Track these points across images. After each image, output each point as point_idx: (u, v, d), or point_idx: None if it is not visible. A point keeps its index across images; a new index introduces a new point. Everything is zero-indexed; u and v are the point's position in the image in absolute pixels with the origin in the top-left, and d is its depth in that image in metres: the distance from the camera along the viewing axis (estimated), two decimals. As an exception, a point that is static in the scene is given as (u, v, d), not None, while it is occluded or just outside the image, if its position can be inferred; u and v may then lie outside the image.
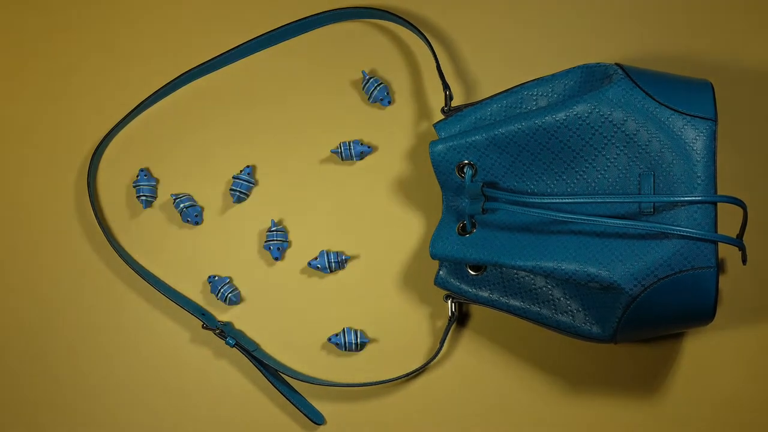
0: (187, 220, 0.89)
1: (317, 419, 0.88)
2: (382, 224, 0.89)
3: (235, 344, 0.87)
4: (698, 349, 0.87)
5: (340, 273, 0.89)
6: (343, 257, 0.88)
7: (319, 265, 0.88)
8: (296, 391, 0.89)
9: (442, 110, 0.86)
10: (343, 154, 0.88)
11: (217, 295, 0.88)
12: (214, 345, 0.89)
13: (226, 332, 0.87)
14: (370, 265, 0.89)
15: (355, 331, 0.88)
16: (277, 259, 0.88)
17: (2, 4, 0.92)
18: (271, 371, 0.88)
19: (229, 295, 0.88)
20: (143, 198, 0.89)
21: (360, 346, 0.88)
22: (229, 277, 0.89)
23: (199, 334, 0.89)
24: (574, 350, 0.87)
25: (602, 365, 0.87)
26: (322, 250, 0.88)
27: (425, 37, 0.88)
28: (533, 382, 0.87)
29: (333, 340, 0.88)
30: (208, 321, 0.88)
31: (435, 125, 0.85)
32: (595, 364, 0.87)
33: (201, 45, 0.91)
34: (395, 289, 0.89)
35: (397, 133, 0.90)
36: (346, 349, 0.88)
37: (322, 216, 0.89)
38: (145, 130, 0.91)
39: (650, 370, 0.87)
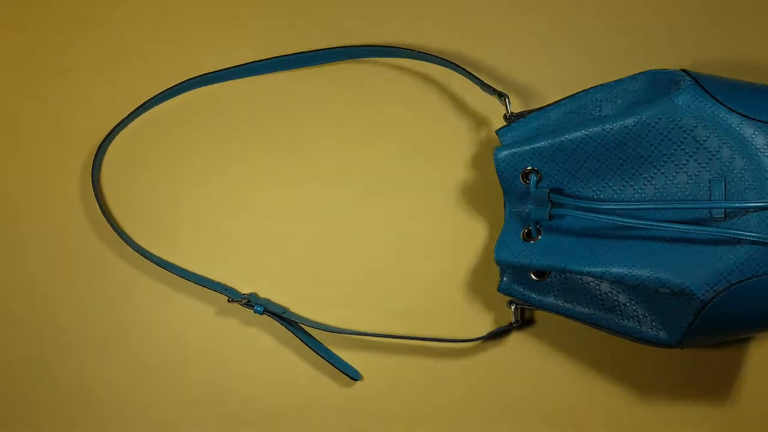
0: None
1: (353, 375, 0.88)
2: (446, 230, 0.89)
3: (264, 311, 0.87)
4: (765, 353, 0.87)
5: (405, 280, 0.89)
6: None
7: None
8: (329, 349, 0.89)
9: (505, 117, 0.86)
10: None
11: None
12: (241, 316, 0.90)
13: (252, 301, 0.88)
14: (433, 273, 0.89)
15: None
16: None
17: (2, 4, 0.92)
18: (303, 331, 0.89)
19: None
20: None
21: None
22: None
23: (225, 308, 0.90)
24: (635, 354, 0.87)
25: (667, 371, 0.87)
26: None
27: (466, 71, 0.87)
28: (603, 384, 0.87)
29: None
30: (232, 294, 0.88)
31: (498, 131, 0.85)
32: (661, 370, 0.87)
33: (205, 50, 0.91)
34: (459, 295, 0.89)
35: (456, 141, 0.89)
36: None
37: (385, 224, 0.89)
38: (146, 130, 0.91)
39: (715, 375, 0.87)
